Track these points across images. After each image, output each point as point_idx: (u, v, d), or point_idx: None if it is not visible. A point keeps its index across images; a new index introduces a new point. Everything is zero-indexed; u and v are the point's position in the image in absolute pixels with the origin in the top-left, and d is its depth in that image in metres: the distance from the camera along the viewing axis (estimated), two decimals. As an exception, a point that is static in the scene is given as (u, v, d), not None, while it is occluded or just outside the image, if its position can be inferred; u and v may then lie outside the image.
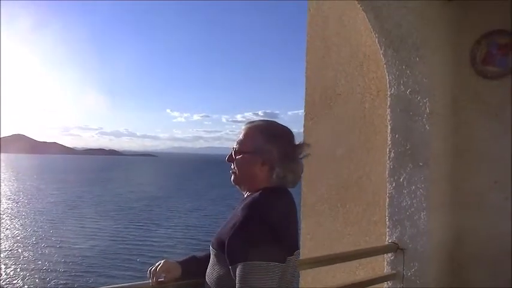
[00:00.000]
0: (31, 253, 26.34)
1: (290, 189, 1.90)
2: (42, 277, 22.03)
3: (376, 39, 3.36)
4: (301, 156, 1.87)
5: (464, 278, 3.21)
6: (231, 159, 1.89)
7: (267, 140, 1.84)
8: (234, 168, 1.88)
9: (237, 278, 1.58)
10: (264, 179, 1.82)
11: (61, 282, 21.37)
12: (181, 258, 2.06)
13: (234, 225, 1.66)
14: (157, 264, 1.98)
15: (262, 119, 2.01)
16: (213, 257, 1.78)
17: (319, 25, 4.21)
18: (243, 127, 1.92)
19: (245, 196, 1.87)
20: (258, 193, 1.77)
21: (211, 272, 1.77)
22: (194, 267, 2.02)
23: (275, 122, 1.95)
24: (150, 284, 1.94)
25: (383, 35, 3.30)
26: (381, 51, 3.37)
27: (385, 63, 3.38)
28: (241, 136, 1.89)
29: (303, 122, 4.27)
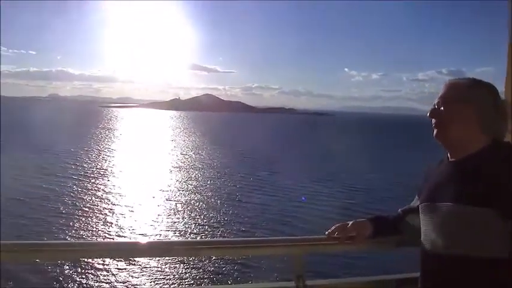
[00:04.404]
0: (210, 205, 26.79)
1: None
2: (210, 230, 22.13)
3: None
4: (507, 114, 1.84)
5: None
6: (435, 113, 1.88)
7: (479, 90, 1.83)
8: (438, 122, 1.87)
9: None
10: (476, 130, 1.80)
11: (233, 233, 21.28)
12: (370, 217, 2.18)
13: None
14: (347, 222, 2.12)
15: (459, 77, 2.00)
16: (466, 216, 1.70)
17: None
18: (445, 83, 1.92)
19: (450, 155, 1.90)
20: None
21: (467, 232, 1.70)
22: (385, 227, 2.16)
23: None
24: (339, 241, 2.09)
25: None
26: None
27: None
28: (445, 90, 1.89)
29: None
